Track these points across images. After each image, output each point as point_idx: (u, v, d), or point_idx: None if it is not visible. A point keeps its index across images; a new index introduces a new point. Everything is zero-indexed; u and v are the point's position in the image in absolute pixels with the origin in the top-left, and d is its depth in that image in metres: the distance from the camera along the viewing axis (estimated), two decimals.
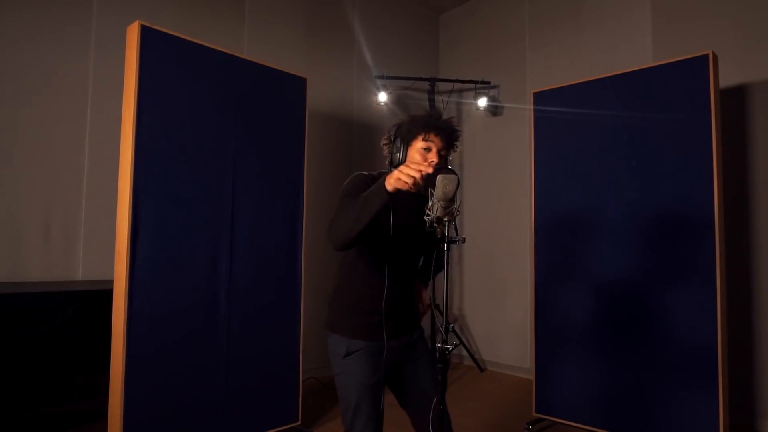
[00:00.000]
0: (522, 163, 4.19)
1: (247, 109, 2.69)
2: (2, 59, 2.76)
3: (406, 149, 1.60)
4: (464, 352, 4.46)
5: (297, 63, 3.93)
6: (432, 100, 4.40)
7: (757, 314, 3.00)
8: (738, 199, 3.10)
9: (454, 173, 1.43)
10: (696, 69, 2.57)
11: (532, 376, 3.13)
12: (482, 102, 4.40)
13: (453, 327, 4.49)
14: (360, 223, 1.39)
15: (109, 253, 2.91)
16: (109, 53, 3.07)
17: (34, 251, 2.81)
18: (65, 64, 2.95)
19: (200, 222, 2.48)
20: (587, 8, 3.93)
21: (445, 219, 1.38)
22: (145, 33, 2.30)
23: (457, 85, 4.64)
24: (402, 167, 1.35)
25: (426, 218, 1.42)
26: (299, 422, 2.85)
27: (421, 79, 4.36)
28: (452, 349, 1.41)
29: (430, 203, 1.44)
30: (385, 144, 1.68)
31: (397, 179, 1.33)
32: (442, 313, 1.41)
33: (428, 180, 1.52)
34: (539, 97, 3.17)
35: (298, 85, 2.94)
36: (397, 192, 1.36)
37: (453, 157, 1.67)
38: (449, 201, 1.38)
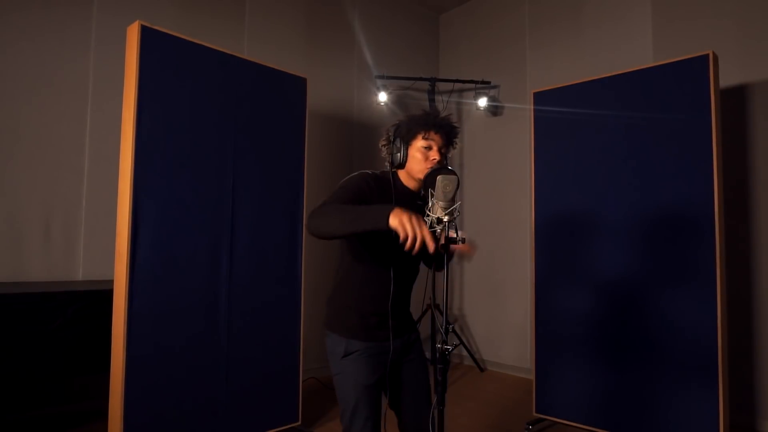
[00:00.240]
0: (522, 163, 4.19)
1: (247, 109, 2.69)
2: (2, 59, 2.76)
3: (407, 149, 1.60)
4: (464, 352, 4.46)
5: (297, 63, 3.92)
6: (432, 100, 4.40)
7: (757, 314, 3.00)
8: (738, 199, 3.10)
9: (454, 173, 1.43)
10: (696, 69, 2.57)
11: (532, 376, 3.13)
12: (482, 102, 4.40)
13: (453, 327, 4.49)
14: (346, 230, 1.37)
15: (109, 253, 2.91)
16: (109, 53, 3.07)
17: (34, 251, 2.81)
18: (65, 64, 2.95)
19: (200, 222, 2.48)
20: (587, 8, 3.93)
21: (445, 219, 1.38)
22: (145, 33, 2.30)
23: (457, 85, 4.64)
24: (417, 222, 1.26)
25: (426, 218, 1.42)
26: (299, 422, 2.85)
27: (421, 79, 4.36)
28: (452, 349, 1.41)
29: (430, 204, 1.44)
30: (384, 145, 1.67)
31: (403, 225, 1.25)
32: (442, 313, 1.41)
33: (428, 180, 1.53)
34: (539, 97, 3.17)
35: (299, 85, 2.94)
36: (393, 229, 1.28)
37: (452, 155, 1.67)
38: (449, 201, 1.38)
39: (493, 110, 4.53)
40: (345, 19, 4.36)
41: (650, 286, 2.67)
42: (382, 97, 4.32)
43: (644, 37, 3.59)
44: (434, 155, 1.56)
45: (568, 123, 3.02)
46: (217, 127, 2.57)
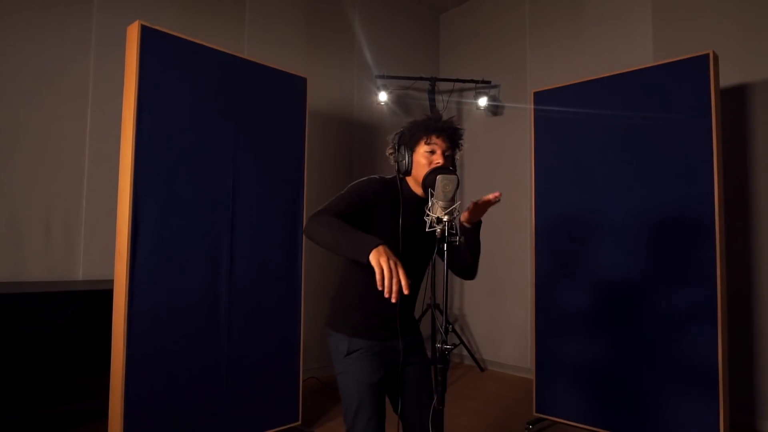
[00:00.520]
0: (522, 162, 4.19)
1: (247, 109, 2.69)
2: (2, 59, 2.76)
3: (411, 155, 1.61)
4: (465, 352, 4.46)
5: (297, 63, 3.93)
6: (432, 100, 4.40)
7: (757, 314, 3.00)
8: (738, 199, 3.10)
9: (454, 173, 1.43)
10: (696, 69, 2.57)
11: (532, 376, 3.13)
12: (482, 101, 4.40)
13: (453, 327, 4.50)
14: (331, 248, 1.41)
15: (109, 253, 2.91)
16: (109, 53, 3.07)
17: (34, 251, 2.81)
18: (65, 64, 2.95)
19: (200, 222, 2.48)
20: (588, 8, 3.93)
21: (445, 219, 1.38)
22: (145, 33, 2.30)
23: (458, 85, 4.64)
24: (394, 264, 1.26)
25: (426, 218, 1.42)
26: (299, 422, 2.85)
27: (421, 78, 4.36)
28: (452, 348, 1.41)
29: (429, 203, 1.44)
30: (391, 153, 1.68)
31: (380, 266, 1.26)
32: (442, 313, 1.41)
33: (427, 180, 1.53)
34: (540, 97, 3.17)
35: (299, 85, 2.94)
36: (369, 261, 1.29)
37: (460, 155, 1.67)
38: (449, 201, 1.38)
39: (494, 110, 4.52)
40: (345, 19, 4.36)
41: (650, 286, 2.67)
42: (383, 96, 4.32)
43: (644, 37, 3.58)
44: (437, 159, 1.56)
45: (568, 123, 3.02)
46: (217, 126, 2.57)
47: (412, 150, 1.61)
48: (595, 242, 2.87)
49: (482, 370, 4.34)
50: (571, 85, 3.04)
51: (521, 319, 4.18)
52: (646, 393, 2.64)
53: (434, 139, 1.57)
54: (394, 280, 1.25)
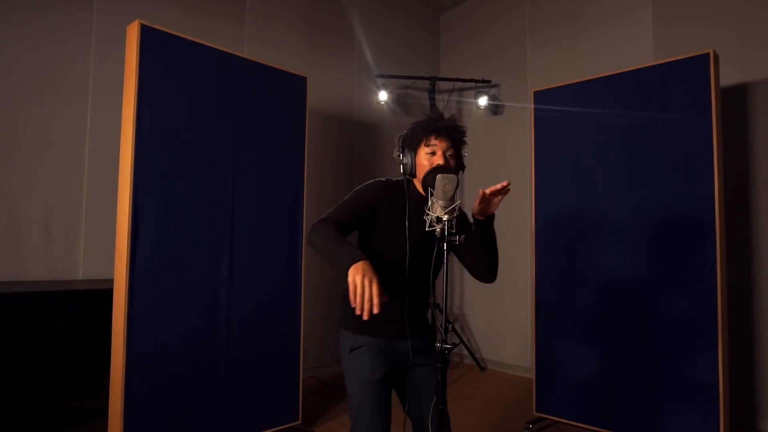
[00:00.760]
0: (523, 161, 4.19)
1: (247, 109, 2.69)
2: (2, 59, 2.76)
3: (414, 158, 1.62)
4: (465, 351, 4.46)
5: (297, 62, 3.92)
6: (432, 99, 4.40)
7: (758, 314, 3.00)
8: (738, 199, 3.10)
9: (454, 173, 1.43)
10: (697, 68, 2.57)
11: (532, 376, 3.13)
12: (483, 101, 4.40)
13: (453, 326, 4.49)
14: (322, 258, 1.43)
15: (110, 252, 2.91)
16: (109, 53, 3.07)
17: (34, 251, 2.81)
18: (65, 64, 2.95)
19: (200, 222, 2.48)
20: (588, 7, 3.93)
21: (445, 218, 1.38)
22: (145, 32, 2.30)
23: (458, 84, 4.64)
24: (369, 284, 1.26)
25: (426, 218, 1.42)
26: (299, 421, 2.85)
27: (421, 78, 4.36)
28: (452, 348, 1.41)
29: (429, 203, 1.44)
30: (397, 155, 1.69)
31: (354, 284, 1.26)
32: (442, 312, 1.41)
33: (427, 179, 1.53)
34: (540, 96, 3.17)
35: (299, 84, 2.94)
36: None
37: (466, 153, 1.68)
38: (449, 200, 1.38)
39: (494, 109, 4.52)
40: (345, 18, 4.36)
41: (651, 285, 2.66)
42: (383, 96, 4.32)
43: (644, 36, 3.58)
44: (438, 160, 1.56)
45: (568, 122, 3.02)
46: (217, 126, 2.57)
47: (414, 152, 1.62)
48: (596, 242, 2.87)
49: (482, 369, 4.34)
50: (571, 84, 3.04)
51: (521, 319, 4.18)
52: (646, 392, 2.64)
53: (434, 141, 1.58)
54: (366, 298, 1.24)
